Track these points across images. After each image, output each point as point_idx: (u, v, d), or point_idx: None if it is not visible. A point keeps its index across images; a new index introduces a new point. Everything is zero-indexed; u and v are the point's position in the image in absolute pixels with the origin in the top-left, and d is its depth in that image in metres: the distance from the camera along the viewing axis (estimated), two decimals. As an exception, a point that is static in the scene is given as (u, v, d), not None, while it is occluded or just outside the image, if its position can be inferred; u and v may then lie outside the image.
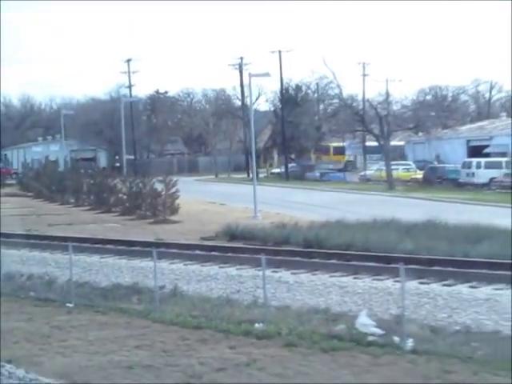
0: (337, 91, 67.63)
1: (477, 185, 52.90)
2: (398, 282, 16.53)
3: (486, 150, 62.01)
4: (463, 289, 16.76)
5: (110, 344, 14.35)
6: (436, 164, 65.05)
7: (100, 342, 14.61)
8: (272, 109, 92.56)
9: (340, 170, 76.69)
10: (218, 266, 20.42)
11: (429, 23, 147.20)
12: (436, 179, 58.56)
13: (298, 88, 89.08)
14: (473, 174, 54.65)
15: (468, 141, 69.71)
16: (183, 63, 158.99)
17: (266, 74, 45.38)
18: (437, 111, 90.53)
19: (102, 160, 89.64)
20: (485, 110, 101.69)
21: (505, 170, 51.46)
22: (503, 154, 57.88)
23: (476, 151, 63.85)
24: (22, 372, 12.17)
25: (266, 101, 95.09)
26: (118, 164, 79.09)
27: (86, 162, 79.66)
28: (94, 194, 44.30)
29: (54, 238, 28.06)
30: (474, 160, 57.42)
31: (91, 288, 19.80)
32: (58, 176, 53.53)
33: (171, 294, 18.39)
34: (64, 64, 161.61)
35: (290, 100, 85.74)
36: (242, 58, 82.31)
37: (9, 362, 12.83)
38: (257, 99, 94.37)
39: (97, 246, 25.22)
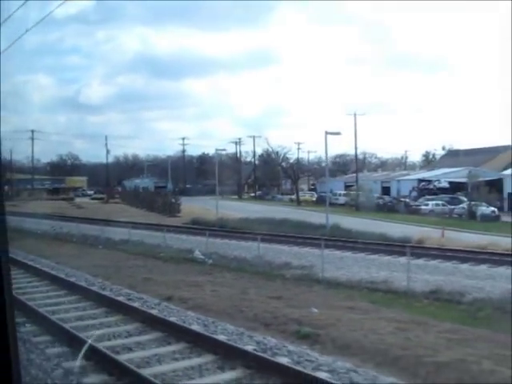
0: (275, 156, 70.58)
1: (339, 205, 53.93)
2: (224, 239, 20.47)
3: (353, 187, 64.84)
4: (248, 243, 18.82)
5: (100, 259, 17.13)
6: (326, 193, 66.24)
7: (98, 258, 17.35)
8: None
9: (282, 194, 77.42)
10: (161, 232, 21.85)
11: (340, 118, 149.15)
12: (322, 201, 57.98)
13: (269, 153, 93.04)
14: (338, 199, 56.12)
15: (345, 182, 71.58)
16: (219, 139, 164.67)
17: (224, 150, 50.84)
18: (340, 167, 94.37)
19: (170, 187, 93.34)
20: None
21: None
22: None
23: (349, 188, 66.47)
24: (61, 266, 15.58)
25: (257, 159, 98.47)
26: (176, 189, 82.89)
27: (161, 188, 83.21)
28: (148, 203, 46.43)
29: (108, 220, 28.74)
30: (338, 191, 59.10)
31: (111, 241, 22.08)
32: (138, 194, 56.69)
33: (139, 243, 20.91)
34: (154, 140, 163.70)
35: (263, 160, 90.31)
36: (239, 139, 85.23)
37: (57, 263, 16.02)
38: (251, 158, 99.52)
39: (126, 224, 25.29)
